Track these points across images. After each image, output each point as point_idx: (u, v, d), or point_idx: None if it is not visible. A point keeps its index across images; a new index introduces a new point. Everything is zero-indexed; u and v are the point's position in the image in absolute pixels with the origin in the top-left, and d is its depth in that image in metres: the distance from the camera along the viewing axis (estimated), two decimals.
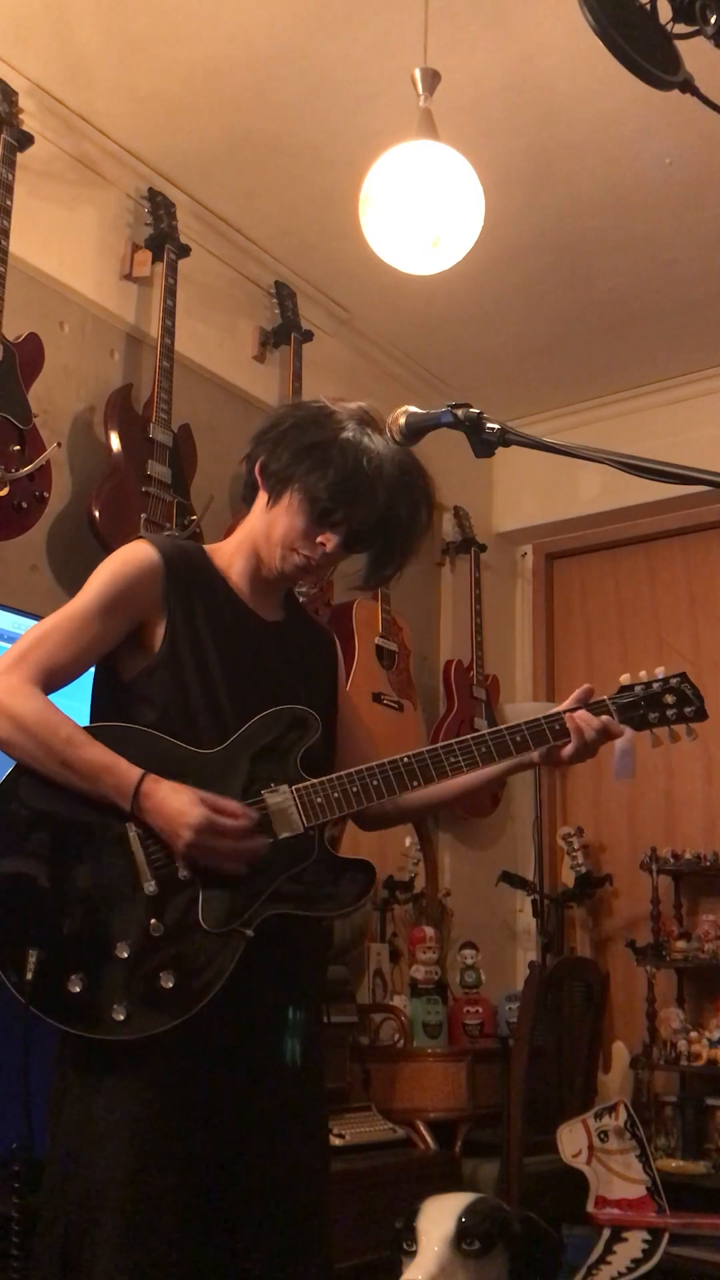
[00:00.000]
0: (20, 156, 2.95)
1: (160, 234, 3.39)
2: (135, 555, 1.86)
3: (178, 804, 1.71)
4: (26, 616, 2.72)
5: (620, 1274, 3.21)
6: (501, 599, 4.95)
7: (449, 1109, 3.52)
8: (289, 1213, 1.76)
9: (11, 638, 2.68)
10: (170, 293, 3.33)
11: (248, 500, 1.97)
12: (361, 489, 1.82)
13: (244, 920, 1.73)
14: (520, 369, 4.51)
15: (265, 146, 3.38)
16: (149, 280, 3.45)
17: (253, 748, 1.82)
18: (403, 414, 1.61)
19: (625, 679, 1.92)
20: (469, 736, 1.86)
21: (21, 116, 2.97)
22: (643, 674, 1.92)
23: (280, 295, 3.87)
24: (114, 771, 1.73)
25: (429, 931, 3.97)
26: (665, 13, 1.86)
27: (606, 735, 1.87)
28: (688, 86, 1.89)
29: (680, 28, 1.86)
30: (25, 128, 2.97)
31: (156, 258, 3.40)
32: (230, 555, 1.96)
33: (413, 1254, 1.67)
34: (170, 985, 1.69)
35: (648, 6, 1.86)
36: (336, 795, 1.80)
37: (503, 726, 1.88)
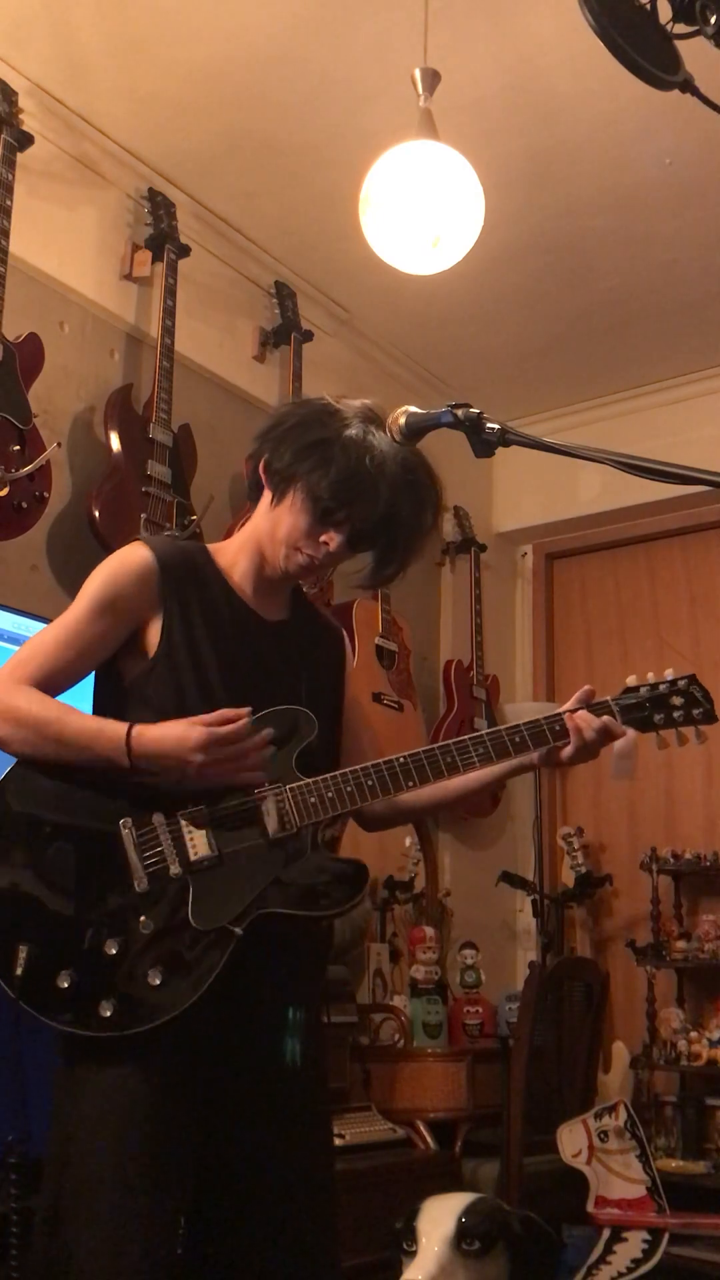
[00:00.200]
0: (20, 156, 2.95)
1: (160, 234, 3.39)
2: (129, 558, 1.86)
3: (175, 733, 1.72)
4: (26, 617, 2.72)
5: (620, 1274, 3.20)
6: (501, 599, 4.95)
7: (449, 1109, 3.52)
8: (296, 1213, 1.75)
9: (11, 637, 2.68)
10: (170, 293, 3.33)
11: (253, 499, 1.97)
12: (364, 487, 1.81)
13: (234, 919, 1.73)
14: (520, 369, 4.51)
15: (265, 146, 3.38)
16: (149, 280, 3.45)
17: None
18: (403, 414, 1.61)
19: (631, 680, 1.89)
20: (467, 737, 1.85)
21: (21, 116, 2.97)
22: (650, 675, 1.89)
23: (280, 295, 3.87)
24: (105, 731, 1.75)
25: (429, 931, 3.97)
26: (665, 13, 1.87)
27: (607, 736, 1.85)
28: (688, 86, 1.89)
29: (680, 28, 1.86)
30: (25, 128, 2.97)
31: (156, 258, 3.40)
32: (234, 554, 1.95)
33: (413, 1254, 1.67)
34: (158, 983, 1.68)
35: (648, 6, 1.86)
36: (330, 794, 1.79)
37: (501, 727, 1.86)
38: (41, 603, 2.88)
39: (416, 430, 1.60)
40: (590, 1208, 3.39)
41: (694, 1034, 3.90)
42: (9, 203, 2.87)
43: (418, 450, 1.80)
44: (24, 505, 2.82)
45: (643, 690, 1.87)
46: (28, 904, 1.72)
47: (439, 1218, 1.69)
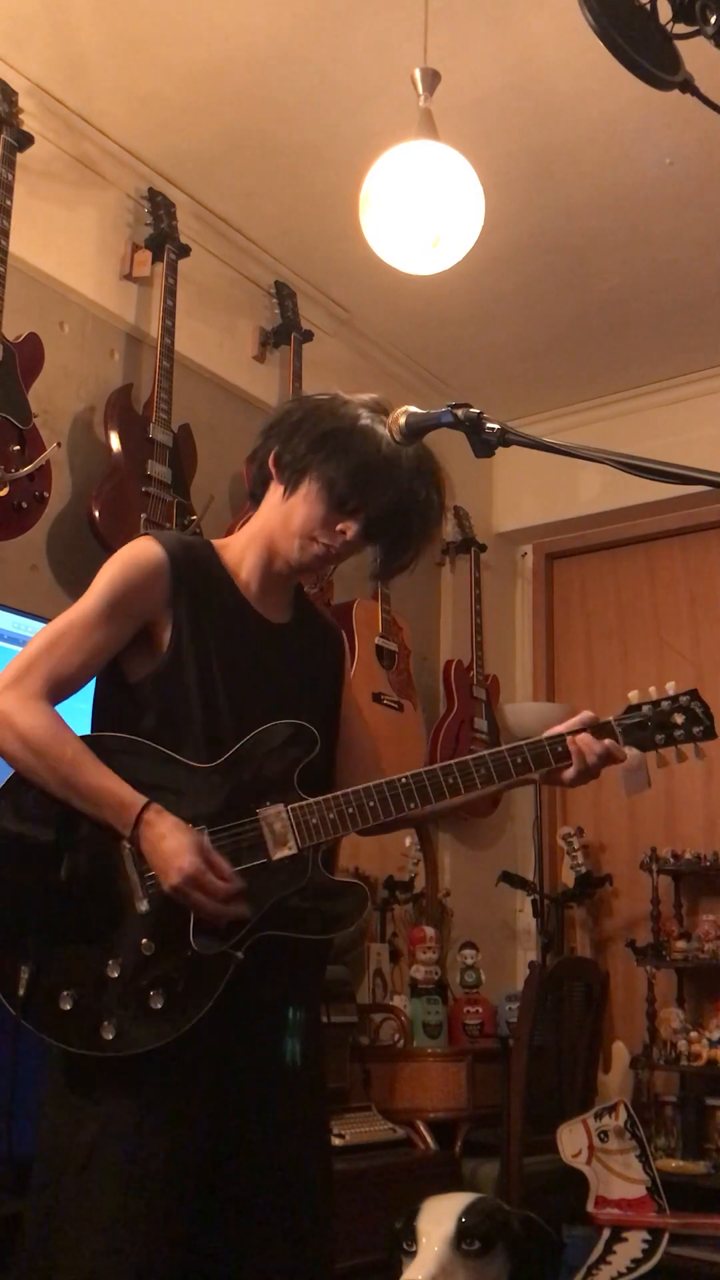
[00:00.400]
0: (20, 156, 2.95)
1: (160, 234, 3.39)
2: (140, 555, 1.84)
3: (175, 844, 1.68)
4: (26, 617, 2.72)
5: (620, 1274, 3.20)
6: (501, 599, 4.95)
7: (449, 1109, 3.51)
8: (293, 1215, 1.75)
9: (11, 637, 2.68)
10: (170, 293, 3.33)
11: (256, 498, 1.95)
12: (380, 474, 1.81)
13: (234, 943, 1.71)
14: (520, 369, 4.51)
15: (265, 146, 3.38)
16: (149, 280, 3.45)
17: (250, 762, 1.79)
18: (403, 414, 1.60)
19: (634, 696, 1.88)
20: (469, 758, 1.82)
21: (21, 116, 2.97)
22: (651, 690, 1.88)
23: (280, 295, 3.87)
24: (117, 798, 1.71)
25: (429, 931, 3.97)
26: (665, 13, 1.87)
27: (609, 759, 1.83)
28: (688, 86, 1.89)
29: (680, 28, 1.86)
30: (25, 128, 2.97)
31: (156, 258, 3.40)
32: (241, 551, 1.93)
33: (413, 1254, 1.67)
34: (159, 1006, 1.67)
35: (648, 6, 1.86)
36: (332, 817, 1.77)
37: (504, 747, 1.84)
38: (41, 603, 2.88)
39: (416, 430, 1.60)
40: (590, 1208, 3.39)
41: (694, 1034, 3.90)
42: (9, 203, 2.87)
43: (425, 444, 1.80)
44: (24, 505, 2.82)
45: (645, 709, 1.86)
46: (28, 924, 1.70)
47: (439, 1218, 1.69)
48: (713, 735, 1.87)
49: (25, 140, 2.96)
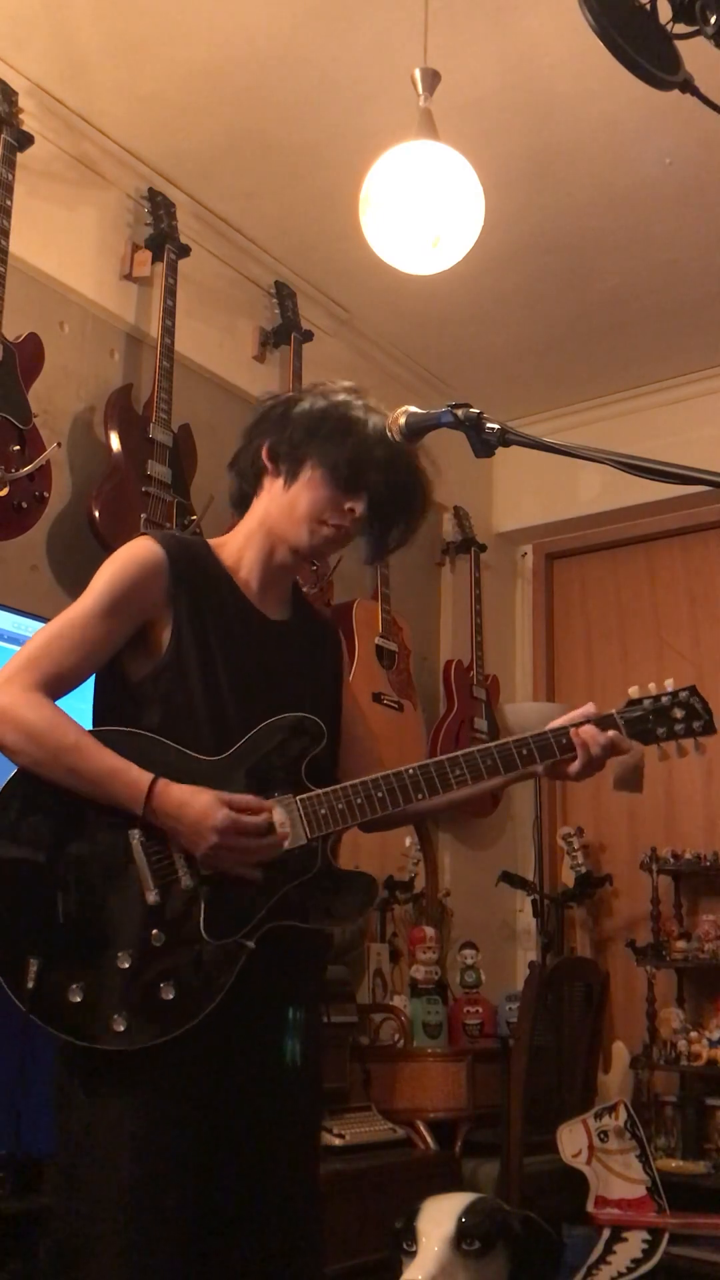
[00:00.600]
0: (20, 156, 2.95)
1: (160, 234, 3.39)
2: (139, 554, 1.84)
3: (200, 803, 1.69)
4: (26, 617, 2.72)
5: (620, 1274, 3.21)
6: (501, 599, 4.95)
7: (449, 1109, 3.52)
8: (287, 1216, 1.76)
9: (11, 637, 2.68)
10: (170, 293, 3.33)
11: (243, 502, 1.97)
12: (378, 452, 1.83)
13: (246, 932, 1.72)
14: (520, 369, 4.51)
15: (265, 146, 3.38)
16: (149, 280, 3.45)
17: (257, 755, 1.80)
18: (403, 414, 1.61)
19: (634, 692, 1.89)
20: (475, 749, 1.85)
21: (21, 116, 2.97)
22: (651, 686, 1.90)
23: (280, 295, 3.87)
24: (124, 776, 1.71)
25: (429, 931, 3.97)
26: (665, 13, 1.86)
27: (614, 751, 1.86)
28: (688, 86, 1.89)
29: (680, 28, 1.86)
30: (25, 128, 2.97)
31: (156, 258, 3.40)
32: (239, 548, 1.94)
33: (413, 1254, 1.67)
34: (170, 997, 1.67)
35: (648, 6, 1.86)
36: (341, 807, 1.79)
37: (509, 740, 1.86)
38: (41, 603, 2.88)
39: (416, 430, 1.60)
40: (590, 1208, 3.39)
41: (694, 1034, 3.90)
42: (9, 203, 2.87)
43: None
44: (24, 505, 2.82)
45: (646, 703, 1.88)
46: (37, 916, 1.70)
47: (439, 1218, 1.69)
48: (712, 730, 1.89)
49: (25, 140, 2.96)
